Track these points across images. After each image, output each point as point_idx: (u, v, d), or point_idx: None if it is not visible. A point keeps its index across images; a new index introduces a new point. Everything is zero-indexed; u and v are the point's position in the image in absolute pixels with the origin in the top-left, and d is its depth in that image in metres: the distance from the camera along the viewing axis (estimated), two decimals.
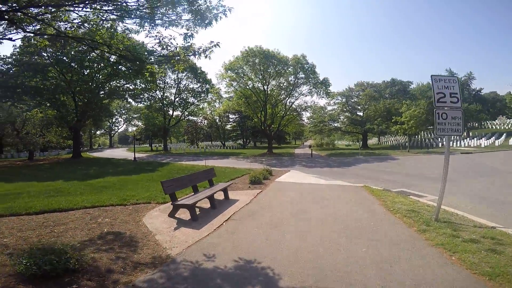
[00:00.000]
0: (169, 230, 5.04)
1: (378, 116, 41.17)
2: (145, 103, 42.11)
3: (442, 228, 4.70)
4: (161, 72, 42.69)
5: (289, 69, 31.72)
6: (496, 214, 6.02)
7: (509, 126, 48.28)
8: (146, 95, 38.49)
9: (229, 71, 32.31)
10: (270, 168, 13.61)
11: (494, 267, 3.29)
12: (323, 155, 32.48)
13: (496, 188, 9.57)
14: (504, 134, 37.43)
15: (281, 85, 33.71)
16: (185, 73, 43.94)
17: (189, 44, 6.36)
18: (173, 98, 44.55)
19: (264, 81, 32.20)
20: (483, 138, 36.33)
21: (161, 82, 42.66)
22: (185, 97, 44.71)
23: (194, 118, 71.73)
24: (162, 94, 43.51)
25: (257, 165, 18.88)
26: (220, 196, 7.70)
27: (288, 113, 35.88)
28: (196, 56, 6.38)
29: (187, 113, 47.09)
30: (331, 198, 7.64)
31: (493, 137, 36.90)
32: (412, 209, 5.91)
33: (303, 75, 31.96)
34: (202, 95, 43.45)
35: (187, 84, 44.41)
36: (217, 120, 69.20)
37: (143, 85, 33.23)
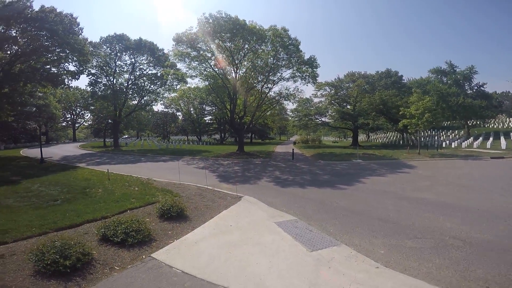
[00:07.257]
0: None
1: (373, 110, 35.29)
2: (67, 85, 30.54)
3: None
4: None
5: (267, 46, 23.91)
6: None
7: (506, 126, 43.94)
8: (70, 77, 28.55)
9: (181, 45, 23.18)
10: (206, 190, 7.03)
11: None
12: (308, 155, 26.23)
13: None
14: (500, 134, 32.75)
15: (257, 66, 25.61)
16: (145, 56, 36.57)
17: None
18: (126, 84, 36.81)
19: (233, 62, 24.67)
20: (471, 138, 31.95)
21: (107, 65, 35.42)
22: (140, 84, 37.16)
23: (164, 109, 63.79)
24: (112, 79, 35.84)
25: (200, 177, 12.15)
26: None
27: (265, 102, 28.28)
28: None
29: (143, 101, 39.35)
30: None
31: (481, 138, 32.40)
32: None
33: (284, 54, 24.31)
34: (159, 80, 35.98)
35: (144, 68, 36.92)
36: (192, 112, 61.39)
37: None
